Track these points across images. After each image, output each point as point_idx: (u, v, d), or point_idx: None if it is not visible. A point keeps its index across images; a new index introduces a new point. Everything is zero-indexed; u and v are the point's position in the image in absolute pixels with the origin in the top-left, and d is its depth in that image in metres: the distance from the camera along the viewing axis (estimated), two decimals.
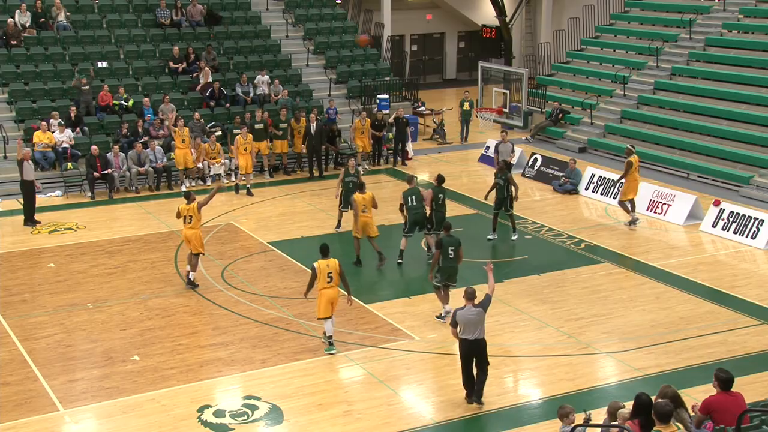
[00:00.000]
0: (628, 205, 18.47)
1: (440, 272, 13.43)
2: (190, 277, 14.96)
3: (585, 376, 12.01)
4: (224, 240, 17.64)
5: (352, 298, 12.99)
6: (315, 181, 21.84)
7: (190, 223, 14.82)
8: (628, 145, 19.27)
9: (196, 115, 22.55)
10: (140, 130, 21.92)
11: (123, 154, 20.69)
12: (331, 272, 12.43)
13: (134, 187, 20.96)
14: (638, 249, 17.19)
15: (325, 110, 23.39)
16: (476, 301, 10.96)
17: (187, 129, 21.16)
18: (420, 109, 28.01)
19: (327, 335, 12.63)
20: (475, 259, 16.53)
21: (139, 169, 20.72)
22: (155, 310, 14.12)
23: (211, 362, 12.30)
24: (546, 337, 13.19)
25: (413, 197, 15.99)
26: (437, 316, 13.68)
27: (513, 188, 17.22)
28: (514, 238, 17.46)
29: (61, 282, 15.37)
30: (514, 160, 21.48)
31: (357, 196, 15.74)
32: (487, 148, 24.31)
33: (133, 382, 11.73)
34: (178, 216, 15.05)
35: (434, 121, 27.43)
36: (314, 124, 22.07)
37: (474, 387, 11.01)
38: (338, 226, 17.81)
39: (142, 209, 19.83)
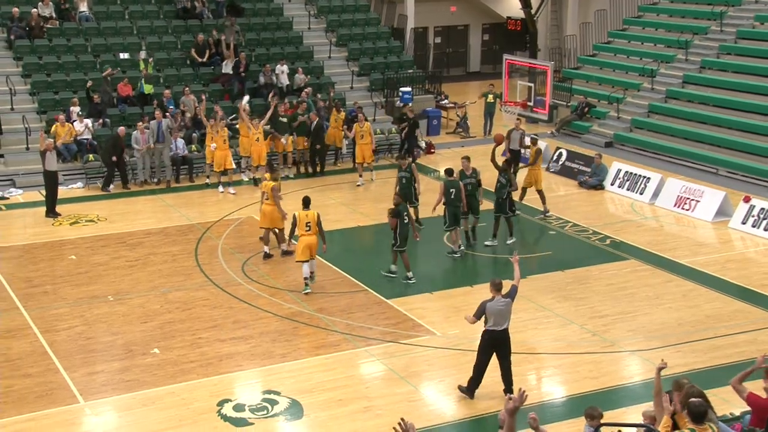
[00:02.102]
0: (521, 193, 18.53)
1: (447, 215, 15.20)
2: (283, 247, 15.76)
3: (609, 374, 11.94)
4: (244, 233, 17.69)
5: (325, 246, 14.78)
6: (317, 177, 21.47)
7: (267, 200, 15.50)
8: (533, 135, 19.77)
9: (217, 108, 22.58)
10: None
11: (149, 131, 20.72)
12: (309, 222, 14.42)
13: (155, 179, 21.08)
14: (665, 246, 17.05)
15: (349, 110, 23.30)
16: (503, 292, 10.91)
17: (227, 129, 20.50)
18: (443, 102, 27.93)
19: (304, 276, 14.42)
20: (499, 255, 16.47)
21: (155, 146, 20.56)
22: (175, 303, 14.21)
23: (231, 356, 12.36)
24: (570, 334, 13.11)
25: (454, 190, 16.01)
26: (448, 252, 15.34)
27: (511, 186, 16.61)
28: (510, 241, 16.75)
29: (82, 274, 15.50)
30: (525, 152, 21.22)
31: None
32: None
33: (153, 375, 11.81)
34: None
35: (457, 115, 27.34)
36: (315, 122, 21.58)
37: (478, 386, 11.00)
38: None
39: (163, 202, 19.95)
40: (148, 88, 23.03)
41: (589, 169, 21.39)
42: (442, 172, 20.08)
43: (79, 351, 12.53)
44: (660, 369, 8.24)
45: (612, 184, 20.88)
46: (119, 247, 16.86)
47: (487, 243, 16.72)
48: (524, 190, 18.76)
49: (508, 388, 11.06)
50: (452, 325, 13.25)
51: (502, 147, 19.50)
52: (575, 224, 18.32)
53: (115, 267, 15.83)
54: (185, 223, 18.34)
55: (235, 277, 15.33)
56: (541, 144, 20.41)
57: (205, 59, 24.54)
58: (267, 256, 15.97)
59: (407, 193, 16.92)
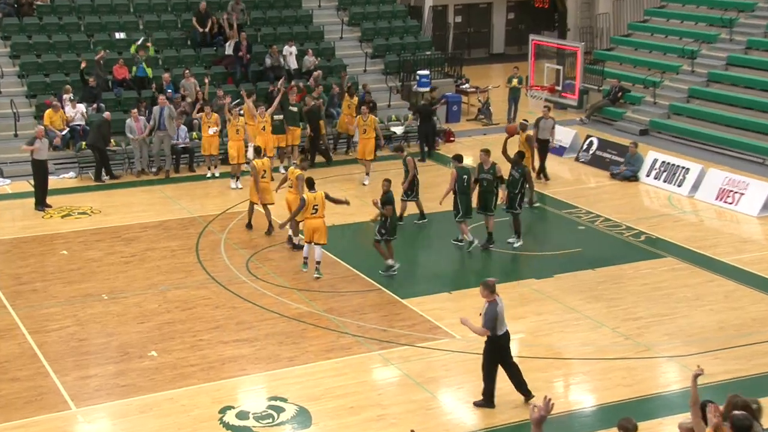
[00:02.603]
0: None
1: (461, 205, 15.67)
2: (295, 241, 16.10)
3: (644, 381, 11.89)
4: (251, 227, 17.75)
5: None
6: (328, 166, 21.47)
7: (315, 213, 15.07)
8: (523, 120, 20.17)
9: (220, 92, 22.64)
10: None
11: (143, 118, 20.73)
12: (317, 204, 15.00)
13: (153, 169, 21.15)
14: (705, 242, 16.95)
15: (360, 94, 23.28)
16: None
17: (242, 119, 20.31)
18: (464, 86, 27.86)
19: (304, 256, 15.20)
20: (523, 252, 16.42)
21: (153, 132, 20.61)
22: (175, 302, 14.25)
23: (234, 359, 12.39)
24: (600, 338, 13.07)
25: (467, 177, 16.19)
26: (454, 240, 15.87)
27: (530, 185, 16.40)
28: (516, 244, 16.39)
29: (74, 271, 15.57)
30: (555, 141, 21.13)
31: (308, 195, 15.02)
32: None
33: (150, 379, 11.86)
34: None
35: (479, 100, 27.26)
36: (310, 107, 21.39)
37: (494, 394, 11.02)
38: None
39: (162, 193, 20.01)
40: (149, 71, 23.08)
41: (622, 159, 21.29)
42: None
43: (71, 353, 12.59)
44: (696, 376, 8.14)
45: (647, 176, 20.77)
46: (114, 242, 16.92)
47: (510, 240, 16.59)
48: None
49: (529, 394, 11.04)
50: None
51: (531, 134, 19.36)
52: (607, 219, 18.25)
53: (110, 263, 15.89)
54: (185, 216, 18.39)
55: (238, 274, 15.36)
56: (556, 123, 20.46)
57: (206, 29, 24.52)
58: (296, 247, 16.12)
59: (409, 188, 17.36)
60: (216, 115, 20.79)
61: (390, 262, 15.23)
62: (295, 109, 21.61)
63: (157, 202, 19.45)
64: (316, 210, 15.05)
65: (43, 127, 19.28)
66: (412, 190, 17.52)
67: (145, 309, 14.01)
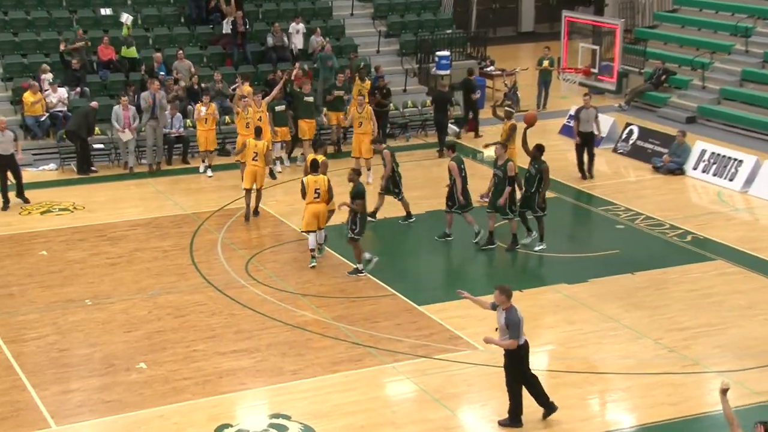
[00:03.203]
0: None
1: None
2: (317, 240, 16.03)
3: (691, 399, 11.83)
4: (249, 226, 17.75)
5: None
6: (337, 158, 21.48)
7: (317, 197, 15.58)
8: (508, 107, 20.25)
9: (217, 76, 22.67)
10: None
11: (134, 108, 20.71)
12: (318, 188, 15.39)
13: (143, 160, 21.18)
14: (760, 243, 16.87)
15: (372, 77, 23.28)
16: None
17: (251, 110, 19.41)
18: (488, 69, 27.80)
19: (310, 248, 15.48)
20: (553, 254, 16.37)
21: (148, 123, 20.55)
22: (166, 308, 14.28)
23: (233, 372, 12.40)
24: (642, 350, 13.02)
25: (463, 166, 16.40)
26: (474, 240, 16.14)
27: (544, 184, 16.20)
28: (528, 241, 16.44)
29: (54, 273, 15.62)
30: (601, 132, 21.01)
31: (309, 179, 15.48)
32: (571, 117, 23.97)
33: (138, 394, 11.88)
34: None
35: (505, 84, 27.19)
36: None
37: (521, 411, 11.00)
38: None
39: (153, 187, 20.06)
40: (129, 52, 23.09)
41: (666, 150, 21.20)
42: (486, 152, 19.96)
43: (51, 365, 12.63)
44: (724, 391, 8.14)
45: (694, 168, 20.69)
46: (99, 242, 16.98)
47: (536, 247, 16.41)
48: None
49: (550, 407, 11.04)
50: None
51: (515, 123, 18.89)
52: (649, 217, 18.18)
53: (95, 265, 15.94)
54: (178, 213, 18.42)
55: (237, 277, 15.38)
56: (598, 112, 20.23)
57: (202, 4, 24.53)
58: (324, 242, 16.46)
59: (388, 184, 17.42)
60: (213, 104, 20.68)
61: (367, 255, 15.39)
62: (311, 99, 21.24)
63: (147, 197, 19.49)
64: (319, 194, 15.39)
65: (4, 119, 18.98)
66: (396, 186, 17.43)
67: (133, 316, 14.03)
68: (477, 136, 23.54)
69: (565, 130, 23.84)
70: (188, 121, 21.84)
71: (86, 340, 13.34)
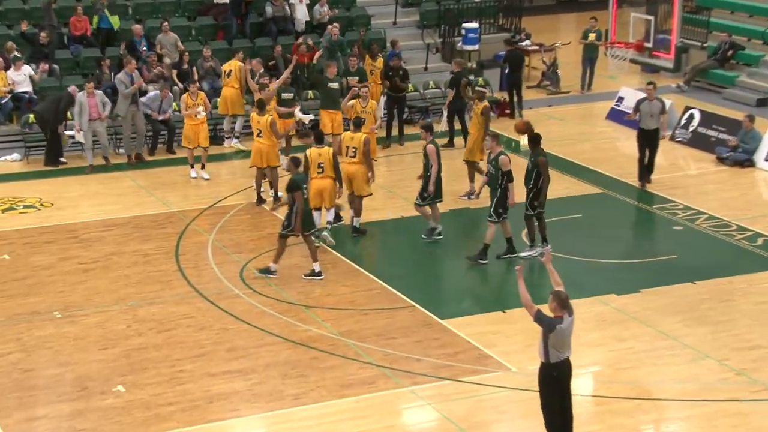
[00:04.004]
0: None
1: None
2: (355, 223, 16.97)
3: (761, 429, 11.78)
4: (245, 226, 17.78)
5: (342, 189, 16.65)
6: None
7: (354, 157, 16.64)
8: (480, 87, 20.31)
9: (206, 51, 22.70)
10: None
11: (100, 93, 20.31)
12: (322, 162, 16.11)
13: (121, 150, 21.24)
14: None
15: (387, 54, 23.27)
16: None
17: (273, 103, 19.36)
18: (523, 43, 27.74)
19: (317, 227, 15.96)
20: (600, 259, 16.32)
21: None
22: (148, 322, 14.31)
23: (225, 397, 12.42)
24: (704, 373, 12.97)
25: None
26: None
27: (543, 180, 15.96)
28: (525, 253, 16.28)
29: (18, 281, 15.65)
30: (666, 129, 20.01)
31: (312, 151, 16.34)
32: (620, 99, 23.94)
33: (115, 422, 11.88)
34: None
35: (543, 62, 27.16)
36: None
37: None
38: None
39: (132, 181, 20.10)
40: (115, 21, 23.15)
41: (733, 138, 21.14)
42: (524, 142, 19.91)
43: (14, 388, 12.65)
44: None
45: (766, 160, 20.62)
46: (70, 244, 17.03)
47: (525, 254, 16.31)
48: (469, 164, 18.88)
49: None
50: (534, 357, 13.12)
51: (487, 106, 18.87)
52: (712, 216, 18.13)
53: (65, 271, 15.99)
54: (162, 211, 18.45)
55: (230, 286, 15.40)
56: (665, 106, 20.13)
57: None
58: (357, 231, 17.10)
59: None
60: (203, 93, 20.13)
61: (274, 267, 15.53)
62: (335, 85, 20.54)
63: (125, 192, 19.53)
64: (323, 169, 16.11)
65: None
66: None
67: (109, 331, 14.05)
68: (519, 113, 23.74)
69: (614, 115, 23.78)
70: (175, 104, 21.85)
71: (55, 358, 13.35)
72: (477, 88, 19.97)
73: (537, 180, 15.98)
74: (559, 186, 19.23)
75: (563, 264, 16.17)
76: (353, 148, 16.75)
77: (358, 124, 17.10)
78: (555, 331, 10.38)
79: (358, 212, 17.11)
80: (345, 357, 13.33)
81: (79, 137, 20.24)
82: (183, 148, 20.82)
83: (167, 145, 21.66)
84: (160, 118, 21.31)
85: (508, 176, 15.96)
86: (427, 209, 16.92)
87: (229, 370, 12.99)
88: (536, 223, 16.24)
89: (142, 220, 18.02)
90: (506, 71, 24.29)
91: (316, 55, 22.97)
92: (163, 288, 15.36)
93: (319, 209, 16.37)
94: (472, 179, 18.78)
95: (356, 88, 19.47)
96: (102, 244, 17.01)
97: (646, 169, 19.48)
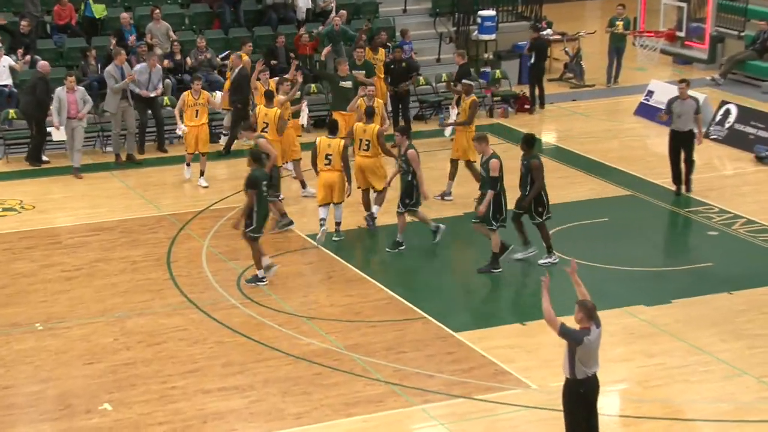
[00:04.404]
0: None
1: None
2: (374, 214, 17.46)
3: None
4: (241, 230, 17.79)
5: (352, 187, 17.02)
6: None
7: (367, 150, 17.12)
8: (467, 80, 20.10)
9: (200, 41, 22.70)
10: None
11: (82, 89, 20.30)
12: (330, 153, 16.56)
13: (108, 148, 21.26)
14: None
15: (395, 44, 23.26)
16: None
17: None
18: (545, 33, 27.68)
19: (321, 217, 16.75)
20: (628, 267, 16.30)
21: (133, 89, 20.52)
22: (137, 334, 14.31)
23: (220, 416, 12.41)
24: (741, 391, 12.93)
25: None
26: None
27: (535, 184, 15.91)
28: (523, 254, 16.33)
29: None
30: (701, 132, 19.47)
31: (322, 140, 16.82)
32: (650, 93, 23.92)
33: None
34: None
35: (566, 52, 27.14)
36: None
37: None
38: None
39: (121, 182, 20.12)
40: (98, 10, 23.19)
41: None
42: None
43: None
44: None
45: None
46: (53, 250, 17.06)
47: (518, 256, 16.35)
48: (453, 163, 18.93)
49: None
50: (556, 373, 13.10)
51: (476, 100, 19.14)
52: (750, 221, 18.13)
53: (47, 279, 16.00)
54: (152, 215, 18.46)
55: (227, 296, 15.40)
56: (700, 106, 20.10)
57: None
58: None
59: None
60: (206, 93, 19.82)
61: (267, 260, 15.65)
62: (348, 84, 20.37)
63: (113, 194, 19.55)
64: (330, 161, 16.59)
65: None
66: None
67: (95, 344, 14.05)
68: (541, 106, 23.93)
69: (643, 110, 23.76)
70: (166, 98, 21.89)
71: (36, 374, 13.35)
72: (464, 81, 19.78)
73: (533, 184, 15.99)
74: (584, 188, 19.24)
75: (588, 272, 16.13)
76: (366, 140, 17.06)
77: (370, 113, 17.39)
78: (582, 344, 10.32)
79: (374, 205, 17.55)
80: (351, 373, 13.32)
81: (58, 135, 20.19)
82: (176, 145, 20.84)
83: (158, 143, 21.67)
84: (152, 95, 21.17)
85: (492, 183, 15.74)
86: (405, 218, 16.84)
87: (225, 387, 12.99)
88: (540, 232, 16.24)
89: (131, 224, 18.02)
90: (530, 61, 24.28)
91: (324, 52, 22.87)
92: (154, 298, 15.37)
93: (327, 205, 16.77)
94: (452, 177, 18.90)
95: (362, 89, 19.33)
96: (87, 250, 17.03)
97: (687, 173, 19.20)
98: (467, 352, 13.80)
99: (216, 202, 18.90)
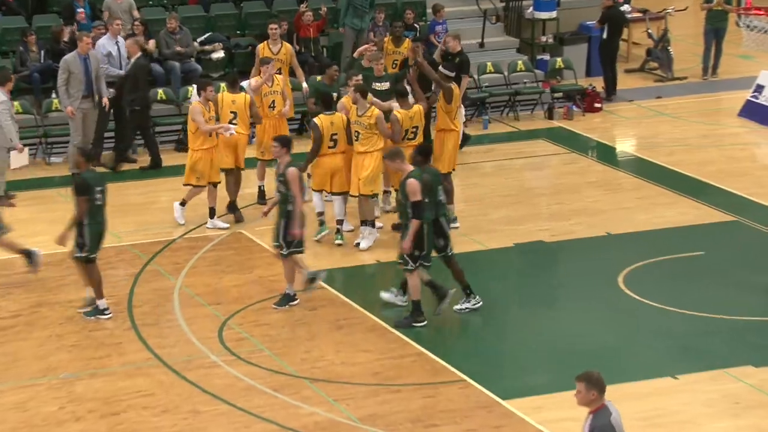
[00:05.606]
0: None
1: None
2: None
3: None
4: (228, 265, 17.91)
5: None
6: None
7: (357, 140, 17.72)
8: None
9: (171, 21, 22.77)
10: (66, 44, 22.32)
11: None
12: (335, 132, 17.53)
13: (54, 159, 21.38)
14: None
15: (428, 23, 23.34)
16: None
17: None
18: (621, 8, 27.76)
19: (317, 211, 17.75)
20: (726, 316, 16.23)
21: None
22: (89, 401, 14.30)
23: None
24: None
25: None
26: None
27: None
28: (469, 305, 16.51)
29: None
30: None
31: (323, 119, 17.77)
32: (759, 89, 23.87)
33: None
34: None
35: (649, 34, 27.19)
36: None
37: None
38: None
39: (70, 203, 20.17)
40: None
41: None
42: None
43: None
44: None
45: None
46: None
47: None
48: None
49: None
50: None
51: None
52: None
53: None
54: (111, 245, 18.43)
55: (205, 350, 15.42)
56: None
57: None
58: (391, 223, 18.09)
59: None
60: (211, 104, 19.10)
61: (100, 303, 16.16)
62: (385, 85, 19.81)
63: (59, 218, 19.55)
64: (335, 143, 17.52)
65: None
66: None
67: (36, 413, 14.04)
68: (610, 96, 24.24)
69: (750, 110, 23.72)
70: (160, 91, 22.19)
71: None
72: (440, 69, 19.62)
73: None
74: (672, 211, 19.22)
75: (675, 321, 16.18)
76: (414, 127, 17.97)
77: (328, 102, 18.06)
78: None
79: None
80: None
81: (16, 161, 20.31)
82: (142, 152, 20.94)
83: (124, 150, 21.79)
84: (123, 73, 21.43)
85: (415, 210, 15.49)
86: (293, 260, 16.40)
87: None
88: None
89: None
90: (603, 37, 24.30)
91: (360, 50, 22.16)
92: (110, 354, 15.40)
93: (321, 191, 17.98)
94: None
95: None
96: (26, 291, 17.12)
97: None
98: (519, 425, 13.76)
99: (192, 230, 18.91)
